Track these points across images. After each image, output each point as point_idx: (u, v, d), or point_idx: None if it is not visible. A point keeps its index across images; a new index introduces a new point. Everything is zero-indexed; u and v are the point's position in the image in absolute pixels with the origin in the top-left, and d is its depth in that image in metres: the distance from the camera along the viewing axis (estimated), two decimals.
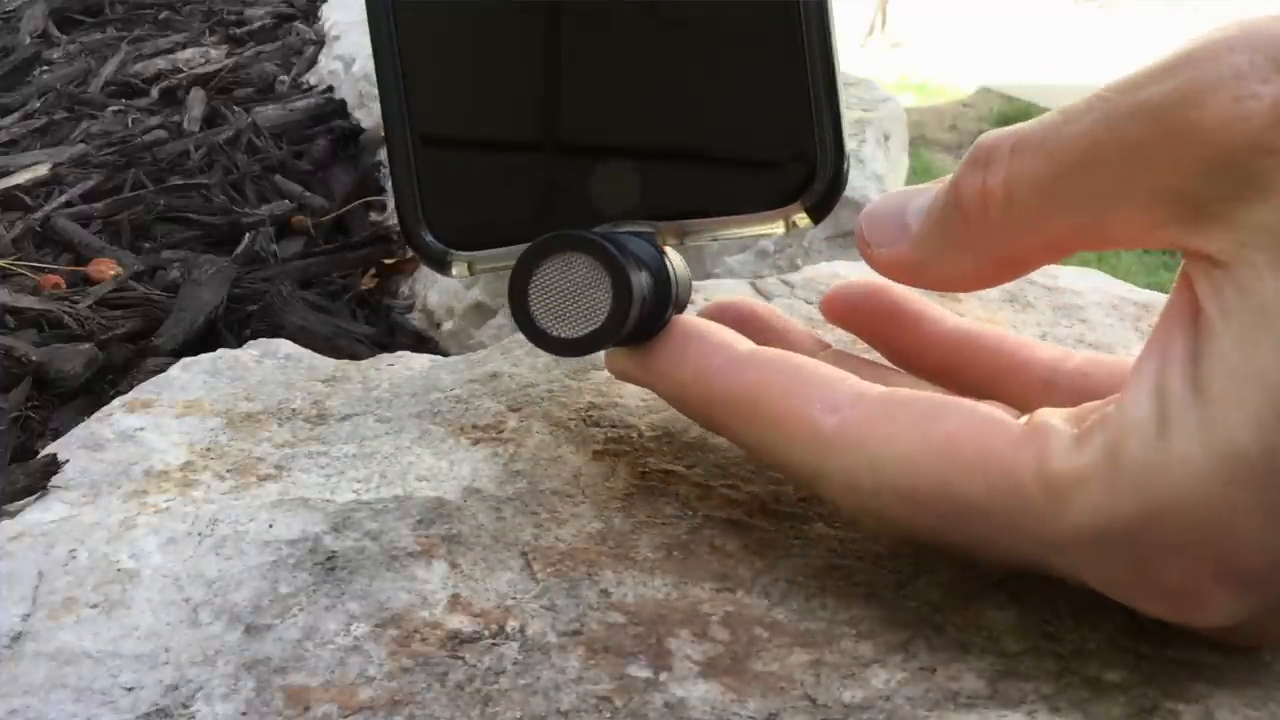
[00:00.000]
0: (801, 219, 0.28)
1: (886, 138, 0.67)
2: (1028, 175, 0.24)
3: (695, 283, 0.33)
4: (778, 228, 0.28)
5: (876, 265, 0.28)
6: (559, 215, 0.29)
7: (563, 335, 0.27)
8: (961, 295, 0.40)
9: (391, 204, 0.70)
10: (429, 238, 0.30)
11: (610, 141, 0.29)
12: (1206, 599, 0.22)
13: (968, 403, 0.25)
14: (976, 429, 0.24)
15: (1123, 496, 0.22)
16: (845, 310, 0.32)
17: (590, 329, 0.26)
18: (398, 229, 0.69)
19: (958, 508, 0.24)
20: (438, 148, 0.29)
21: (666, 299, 0.28)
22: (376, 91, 0.29)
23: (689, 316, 0.29)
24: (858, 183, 0.58)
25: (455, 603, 0.27)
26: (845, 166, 0.28)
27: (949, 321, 0.31)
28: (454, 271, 0.30)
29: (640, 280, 0.27)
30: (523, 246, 0.28)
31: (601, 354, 0.36)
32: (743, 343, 0.28)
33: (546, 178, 0.30)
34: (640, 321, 0.27)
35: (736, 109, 0.28)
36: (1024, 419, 0.24)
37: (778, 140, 0.28)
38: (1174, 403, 0.21)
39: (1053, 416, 0.24)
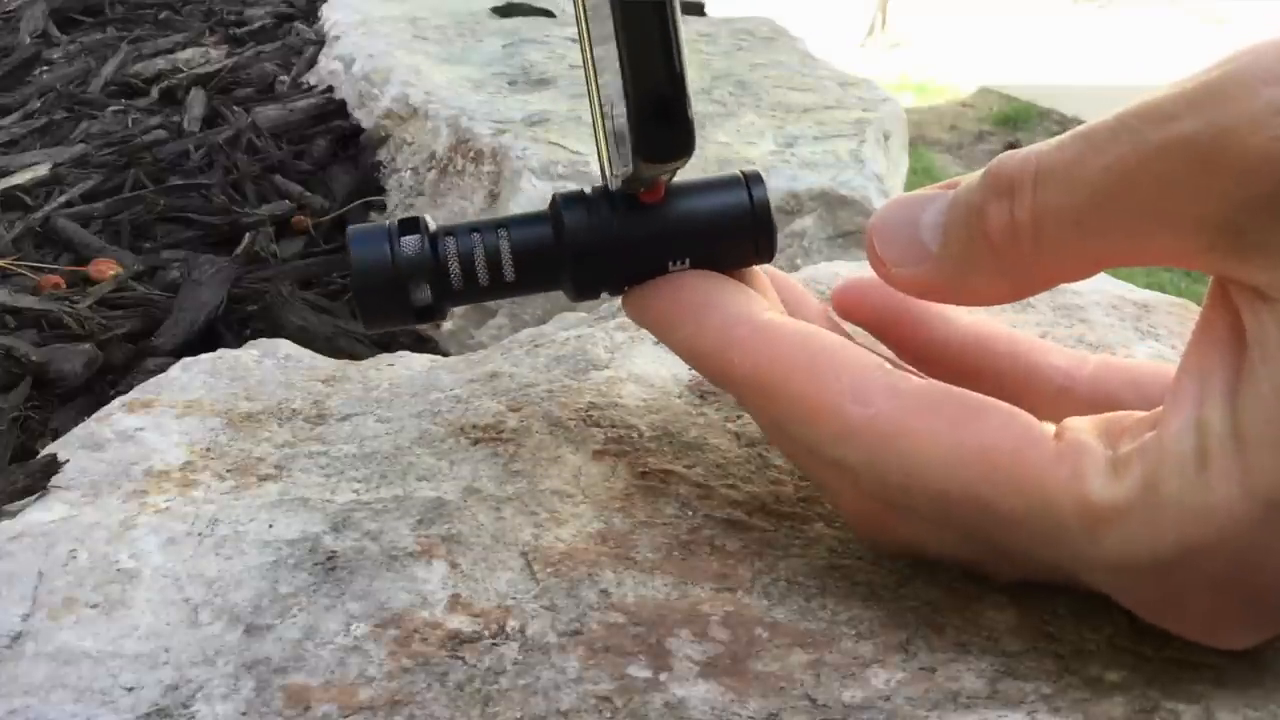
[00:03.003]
0: (640, 163, 0.27)
1: (886, 138, 0.67)
2: (1055, 207, 0.23)
3: None
4: (647, 171, 0.28)
5: (898, 285, 0.27)
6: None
7: (358, 315, 0.30)
8: None
9: (391, 204, 0.70)
10: None
11: (603, 115, 0.30)
12: (1231, 627, 0.23)
13: (1004, 408, 0.24)
14: (1013, 441, 0.24)
15: (1160, 533, 0.21)
16: (856, 305, 0.32)
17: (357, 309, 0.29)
18: None
19: (988, 516, 0.24)
20: (604, 117, 0.31)
21: (572, 255, 0.29)
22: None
23: (711, 274, 0.29)
24: (857, 182, 0.58)
25: (455, 603, 0.27)
26: (669, 103, 0.26)
27: (961, 320, 0.30)
28: None
29: (383, 262, 0.29)
30: None
31: (600, 352, 0.36)
32: (766, 310, 0.28)
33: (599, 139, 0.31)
34: (447, 294, 0.29)
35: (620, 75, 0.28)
36: (1056, 430, 0.24)
37: (628, 101, 0.27)
38: (1214, 441, 0.21)
39: (1086, 433, 0.23)
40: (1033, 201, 0.24)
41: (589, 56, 0.30)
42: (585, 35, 0.30)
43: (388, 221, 0.29)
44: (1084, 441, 0.23)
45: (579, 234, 0.29)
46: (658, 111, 0.26)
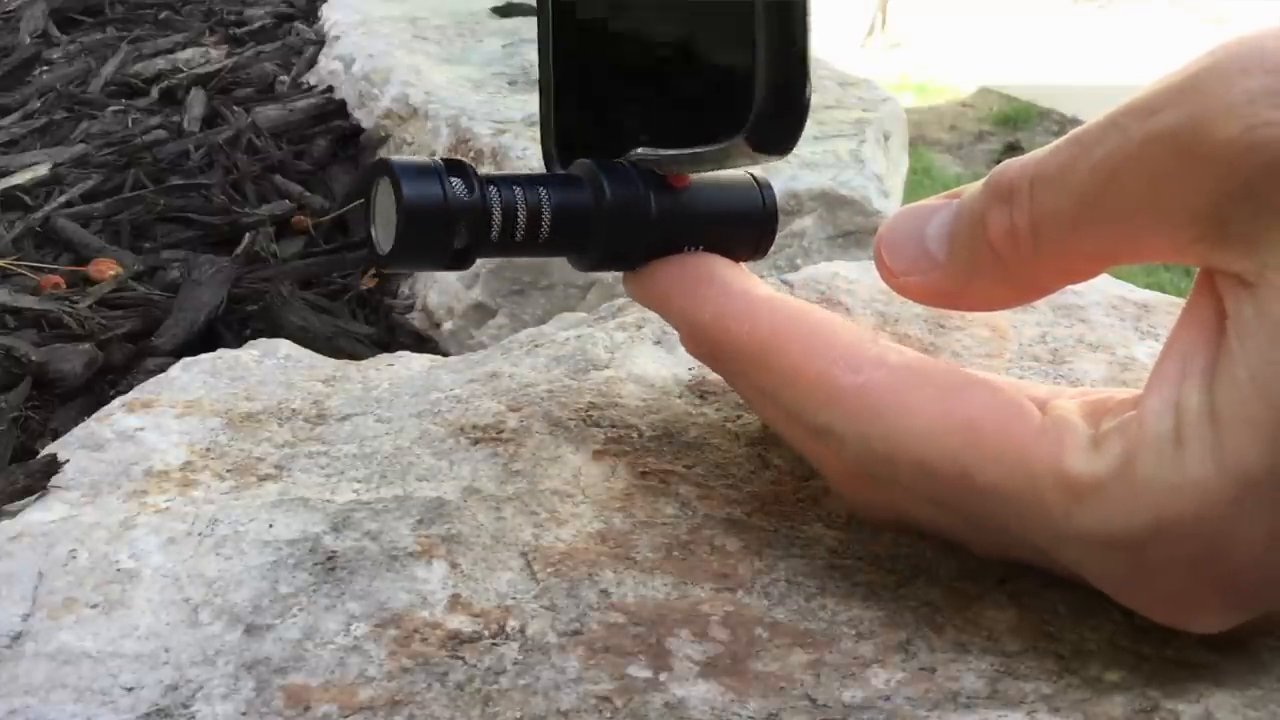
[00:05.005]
0: (740, 149, 0.27)
1: (886, 138, 0.67)
2: (1051, 211, 0.24)
3: None
4: (737, 159, 0.28)
5: (907, 292, 0.28)
6: (606, 144, 0.31)
7: (382, 250, 0.29)
8: None
9: None
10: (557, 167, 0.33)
11: (636, 88, 0.31)
12: (1202, 608, 0.23)
13: (992, 382, 0.25)
14: (998, 415, 0.24)
15: (1135, 509, 0.22)
16: None
17: (391, 244, 0.28)
18: None
19: (970, 487, 0.24)
20: (566, 92, 0.32)
21: (607, 223, 0.29)
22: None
23: (711, 255, 0.30)
24: (857, 182, 0.58)
25: (455, 603, 0.27)
26: (796, 101, 0.26)
27: None
28: None
29: (435, 200, 0.28)
30: None
31: (600, 352, 0.36)
32: (762, 287, 0.29)
33: (604, 116, 0.32)
34: (482, 242, 0.29)
35: (706, 53, 0.29)
36: (1042, 408, 0.24)
37: (729, 79, 0.27)
38: (1190, 421, 0.21)
39: (1072, 412, 0.24)
40: (1030, 206, 0.24)
41: (548, 45, 0.31)
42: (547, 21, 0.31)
43: (431, 160, 0.29)
44: (1067, 419, 0.24)
45: (619, 205, 0.30)
46: (781, 105, 0.26)
